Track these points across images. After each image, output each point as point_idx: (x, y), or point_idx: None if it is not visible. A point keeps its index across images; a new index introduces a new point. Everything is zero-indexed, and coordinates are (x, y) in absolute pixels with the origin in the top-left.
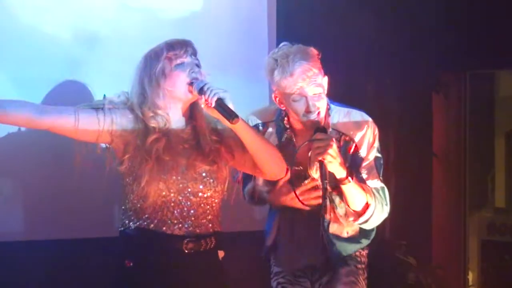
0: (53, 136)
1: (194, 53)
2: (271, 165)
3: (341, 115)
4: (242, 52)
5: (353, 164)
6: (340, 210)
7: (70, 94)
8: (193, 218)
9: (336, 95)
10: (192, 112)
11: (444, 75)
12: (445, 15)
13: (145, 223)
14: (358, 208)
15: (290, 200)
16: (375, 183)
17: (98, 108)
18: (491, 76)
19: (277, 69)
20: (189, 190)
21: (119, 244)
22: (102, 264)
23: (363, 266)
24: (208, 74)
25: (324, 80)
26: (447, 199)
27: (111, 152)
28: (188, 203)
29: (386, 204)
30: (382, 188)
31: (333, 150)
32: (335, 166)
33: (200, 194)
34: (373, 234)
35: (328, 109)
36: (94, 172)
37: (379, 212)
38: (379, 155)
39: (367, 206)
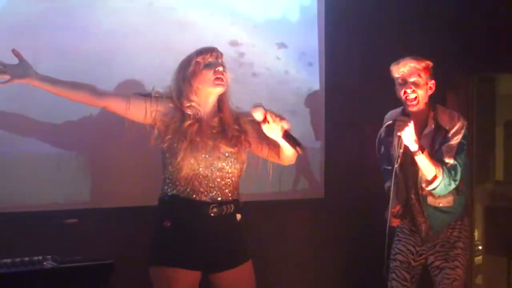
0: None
1: (219, 57)
2: (290, 158)
3: (442, 112)
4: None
5: (439, 146)
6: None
7: None
8: (217, 188)
9: (374, 96)
10: (220, 105)
11: (456, 78)
12: (458, 31)
13: (180, 191)
14: (429, 177)
15: None
16: (449, 160)
17: (146, 95)
18: (492, 79)
19: (394, 63)
20: (214, 166)
21: (158, 207)
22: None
23: (467, 243)
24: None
25: (430, 82)
26: None
27: (155, 132)
28: (213, 176)
29: (454, 180)
30: (454, 165)
31: (409, 128)
32: (409, 140)
33: (223, 169)
34: (464, 205)
35: (435, 108)
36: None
37: (446, 184)
38: (463, 141)
39: (435, 177)
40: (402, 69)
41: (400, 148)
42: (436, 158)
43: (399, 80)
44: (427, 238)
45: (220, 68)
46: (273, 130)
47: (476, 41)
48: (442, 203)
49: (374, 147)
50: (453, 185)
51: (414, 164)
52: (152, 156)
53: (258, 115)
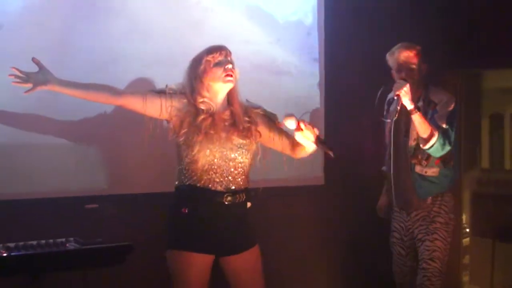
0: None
1: (228, 55)
2: (302, 155)
3: (433, 90)
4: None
5: (431, 117)
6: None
7: None
8: (230, 178)
9: (370, 92)
10: (230, 99)
11: (445, 74)
12: (447, 31)
13: (196, 181)
14: (425, 135)
15: None
16: (442, 125)
17: (161, 92)
18: (478, 75)
19: (389, 52)
20: (228, 156)
21: (175, 195)
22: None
23: (448, 218)
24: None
25: (423, 66)
26: None
27: (171, 126)
28: (227, 166)
29: (449, 142)
30: (447, 129)
31: (406, 88)
32: (406, 100)
33: (236, 160)
34: (450, 180)
35: (427, 88)
36: (159, 141)
37: (441, 143)
38: (453, 112)
39: (431, 135)
40: (397, 58)
41: (398, 106)
42: (431, 123)
43: (396, 68)
44: (412, 206)
45: (230, 66)
46: (306, 136)
47: (463, 40)
48: (428, 172)
49: (370, 138)
50: (447, 147)
51: (405, 135)
52: (163, 147)
53: (291, 124)
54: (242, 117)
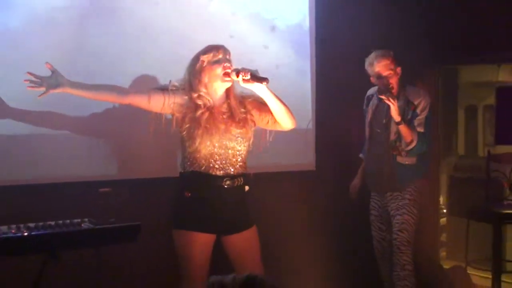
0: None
1: (226, 53)
2: (285, 118)
3: (411, 90)
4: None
5: (411, 117)
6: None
7: None
8: (229, 164)
9: (351, 85)
10: (227, 94)
11: (425, 69)
12: (426, 30)
13: (198, 167)
14: (408, 140)
15: None
16: (420, 129)
17: (164, 89)
18: (455, 70)
19: (367, 62)
20: (227, 145)
21: (180, 181)
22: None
23: (416, 196)
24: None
25: (398, 69)
26: None
27: (174, 120)
28: (226, 154)
29: (426, 144)
30: (423, 133)
31: (395, 105)
32: (394, 110)
33: (234, 148)
34: (424, 170)
35: (404, 86)
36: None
37: (420, 145)
38: (429, 115)
39: (412, 140)
40: (377, 69)
41: (387, 117)
42: (411, 126)
43: (375, 75)
44: (392, 190)
45: (228, 64)
46: (246, 80)
47: (441, 38)
48: (408, 161)
49: (357, 126)
50: (424, 148)
51: (386, 129)
52: (166, 137)
53: (234, 77)
54: (238, 109)
